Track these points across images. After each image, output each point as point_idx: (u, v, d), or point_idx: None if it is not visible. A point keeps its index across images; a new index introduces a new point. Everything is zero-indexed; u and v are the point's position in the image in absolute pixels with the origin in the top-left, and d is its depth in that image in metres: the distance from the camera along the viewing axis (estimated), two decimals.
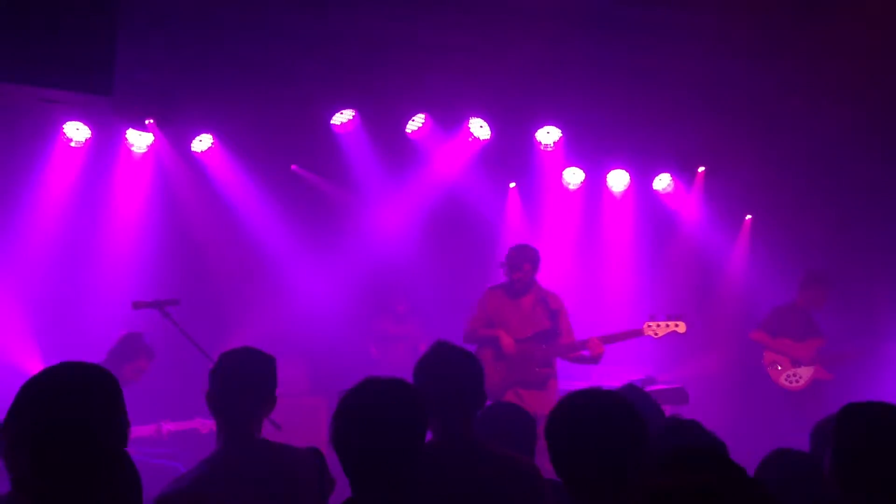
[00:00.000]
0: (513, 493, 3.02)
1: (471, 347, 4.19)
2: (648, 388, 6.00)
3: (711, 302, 9.57)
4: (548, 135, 8.66)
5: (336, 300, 8.50)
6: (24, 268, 7.28)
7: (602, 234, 9.53)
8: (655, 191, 9.46)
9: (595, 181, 9.26)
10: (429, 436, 3.16)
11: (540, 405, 5.88)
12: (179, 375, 6.35)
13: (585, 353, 6.48)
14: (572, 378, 7.49)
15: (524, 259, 6.53)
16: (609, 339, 6.50)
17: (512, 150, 8.76)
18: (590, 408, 2.58)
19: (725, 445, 2.97)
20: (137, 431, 5.52)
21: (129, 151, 7.68)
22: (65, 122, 7.34)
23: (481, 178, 8.78)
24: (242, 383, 3.26)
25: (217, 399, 3.25)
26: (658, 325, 6.69)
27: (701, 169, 9.30)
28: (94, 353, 5.78)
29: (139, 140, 7.63)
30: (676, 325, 6.69)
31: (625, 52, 7.22)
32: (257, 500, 3.04)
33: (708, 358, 9.09)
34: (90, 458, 2.12)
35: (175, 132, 7.73)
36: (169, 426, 6.00)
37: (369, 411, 2.65)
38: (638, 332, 6.66)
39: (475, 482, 3.00)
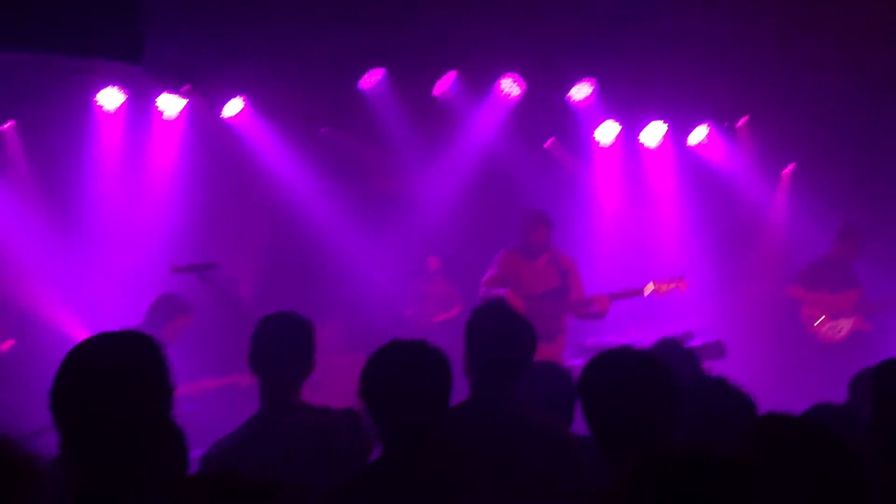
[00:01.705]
0: (546, 458, 3.01)
1: None
2: (685, 344, 5.97)
3: (753, 252, 9.47)
4: (580, 90, 8.55)
5: (370, 259, 8.53)
6: (62, 235, 7.36)
7: (640, 189, 9.43)
8: (692, 143, 9.32)
9: (630, 135, 9.14)
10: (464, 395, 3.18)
11: (549, 358, 5.98)
12: (217, 339, 6.42)
13: (593, 308, 6.84)
14: (609, 332, 7.48)
15: (539, 222, 6.89)
16: (615, 297, 6.89)
17: (544, 107, 8.66)
18: (620, 367, 2.59)
19: (753, 403, 2.94)
20: (179, 390, 5.56)
21: (160, 117, 7.71)
22: (97, 91, 7.36)
23: (513, 134, 8.70)
24: (281, 347, 3.30)
25: (257, 362, 3.30)
26: (660, 286, 7.02)
27: (741, 119, 9.14)
28: (131, 317, 5.87)
29: (170, 106, 7.64)
30: (678, 285, 7.05)
31: (660, 7, 7.11)
32: (297, 462, 3.09)
33: (747, 310, 9.01)
34: (135, 430, 2.09)
35: (205, 96, 7.73)
36: (209, 383, 6.08)
37: (393, 374, 2.67)
38: (641, 291, 7.01)
39: (507, 446, 3.00)
